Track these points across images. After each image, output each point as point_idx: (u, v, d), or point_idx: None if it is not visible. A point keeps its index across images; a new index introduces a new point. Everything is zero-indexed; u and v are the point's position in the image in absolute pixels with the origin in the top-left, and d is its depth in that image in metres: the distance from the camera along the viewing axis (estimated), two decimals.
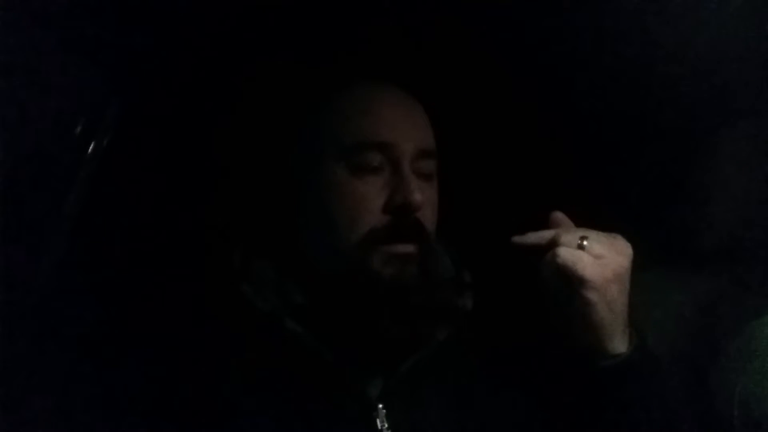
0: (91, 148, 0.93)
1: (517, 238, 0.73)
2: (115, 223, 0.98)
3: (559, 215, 0.74)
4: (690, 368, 0.85)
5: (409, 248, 0.76)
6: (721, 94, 0.98)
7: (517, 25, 0.94)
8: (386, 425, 0.75)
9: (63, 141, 0.92)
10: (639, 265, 0.73)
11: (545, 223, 0.74)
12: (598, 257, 0.69)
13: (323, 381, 0.77)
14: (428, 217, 0.79)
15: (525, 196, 1.01)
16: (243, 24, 0.96)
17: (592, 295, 0.68)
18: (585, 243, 0.69)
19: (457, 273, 0.86)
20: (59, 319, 0.89)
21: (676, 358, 0.85)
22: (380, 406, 0.76)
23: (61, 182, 0.91)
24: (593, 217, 0.73)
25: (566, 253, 0.69)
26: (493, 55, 0.99)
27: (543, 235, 0.72)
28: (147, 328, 0.81)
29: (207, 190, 1.06)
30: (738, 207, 0.97)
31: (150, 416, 0.74)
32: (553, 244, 0.70)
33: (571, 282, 0.69)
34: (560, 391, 0.75)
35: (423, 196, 0.76)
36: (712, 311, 0.93)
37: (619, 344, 0.71)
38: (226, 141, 1.05)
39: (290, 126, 0.86)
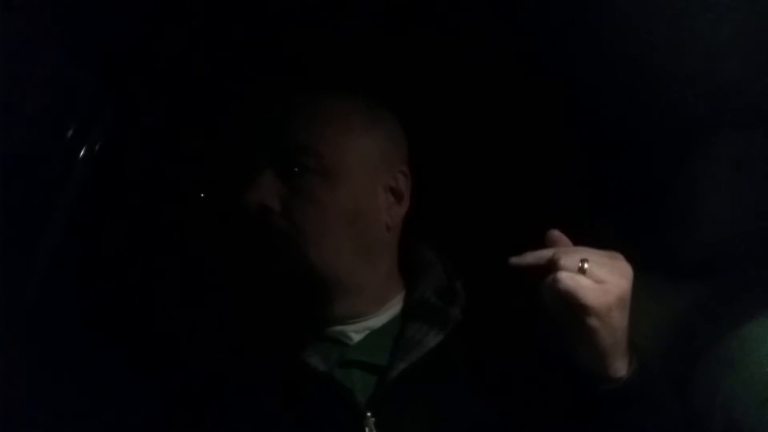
0: (83, 150, 0.92)
1: (515, 259, 0.70)
2: (106, 225, 0.98)
3: (556, 233, 0.72)
4: (674, 382, 0.86)
5: (263, 248, 0.80)
6: (708, 103, 0.98)
7: (505, 23, 0.94)
8: None
9: (55, 143, 0.91)
10: None
11: (542, 241, 0.72)
12: (599, 282, 0.66)
13: (309, 387, 0.77)
14: (295, 212, 0.80)
15: (515, 204, 1.02)
16: (233, 26, 0.96)
17: (593, 322, 0.66)
18: (586, 266, 0.66)
19: (449, 281, 0.87)
20: (51, 321, 0.89)
21: (663, 375, 0.85)
22: (369, 414, 0.76)
23: (54, 185, 0.91)
24: (580, 226, 0.73)
25: (567, 279, 0.66)
26: (481, 60, 0.99)
27: (541, 255, 0.70)
28: (136, 335, 0.82)
29: (198, 191, 1.07)
30: (720, 218, 0.98)
31: (139, 418, 0.75)
32: (553, 266, 0.68)
33: (572, 308, 0.66)
34: (556, 409, 0.75)
35: (274, 194, 0.80)
36: (692, 321, 0.94)
37: (620, 368, 0.70)
38: (213, 142, 1.05)
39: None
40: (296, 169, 0.80)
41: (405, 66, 0.98)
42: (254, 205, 0.79)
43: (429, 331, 0.82)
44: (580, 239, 0.72)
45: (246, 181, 0.80)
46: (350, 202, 0.81)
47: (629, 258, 0.70)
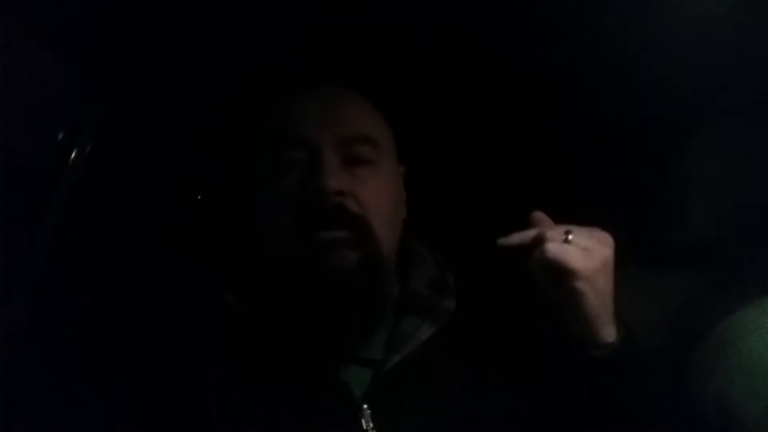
0: (73, 153, 0.92)
1: (502, 240, 0.74)
2: (99, 226, 0.98)
3: (539, 214, 0.76)
4: (667, 364, 0.86)
5: (337, 234, 0.76)
6: (697, 95, 0.99)
7: (500, 21, 0.94)
8: (371, 425, 0.75)
9: (47, 144, 0.92)
10: (618, 263, 0.74)
11: (526, 224, 0.76)
12: (584, 249, 0.71)
13: (308, 383, 0.77)
14: (364, 200, 0.79)
15: (507, 196, 1.02)
16: (225, 30, 0.96)
17: (581, 285, 0.70)
18: (570, 237, 0.71)
19: (441, 274, 0.88)
20: (43, 322, 0.89)
21: (655, 354, 0.86)
22: (365, 406, 0.76)
23: (46, 186, 0.91)
24: (573, 215, 0.75)
25: (554, 248, 0.71)
26: (472, 56, 0.99)
27: (527, 235, 0.74)
28: (132, 336, 0.82)
29: (190, 193, 1.07)
30: (714, 207, 0.98)
31: (137, 417, 0.75)
32: (539, 241, 0.72)
33: (561, 274, 0.71)
34: (550, 382, 0.77)
35: (345, 182, 0.77)
36: (687, 309, 0.95)
37: (609, 334, 0.74)
38: (203, 144, 1.05)
39: (236, 131, 0.90)
40: (358, 158, 0.80)
41: (399, 63, 0.99)
42: (333, 191, 0.76)
43: (422, 323, 0.82)
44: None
45: (296, 170, 0.78)
46: (394, 193, 0.84)
47: (624, 247, 0.73)
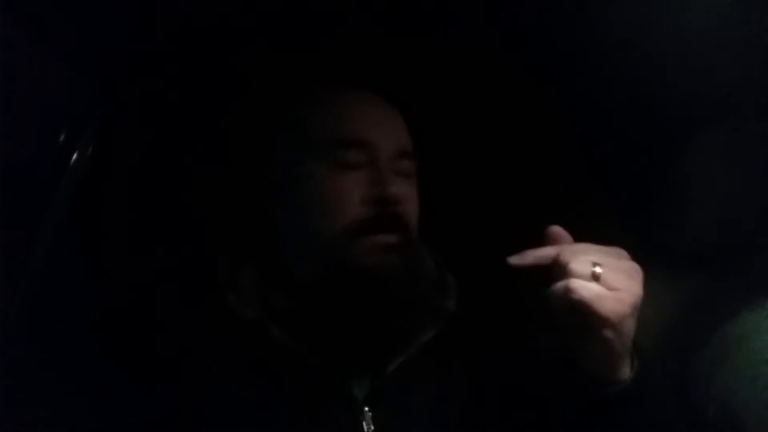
0: (75, 154, 0.93)
1: (515, 259, 0.67)
2: (99, 230, 0.98)
3: (557, 230, 0.68)
4: (669, 368, 0.86)
5: (390, 239, 0.78)
6: (699, 97, 0.99)
7: (505, 25, 0.94)
8: (372, 428, 0.76)
9: (49, 146, 0.92)
10: None
11: (541, 238, 0.69)
12: (614, 290, 0.63)
13: (310, 385, 0.77)
14: (408, 211, 0.81)
15: (509, 197, 1.02)
16: (227, 30, 0.96)
17: (608, 333, 0.64)
18: (599, 271, 0.63)
19: (440, 275, 0.88)
20: (44, 323, 0.89)
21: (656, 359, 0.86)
22: (366, 408, 0.76)
23: (48, 187, 0.91)
24: (575, 219, 0.73)
25: (582, 289, 0.63)
26: (477, 59, 0.99)
27: (544, 254, 0.67)
28: (134, 337, 0.82)
29: (193, 197, 1.07)
30: (715, 210, 0.98)
31: (137, 415, 0.75)
32: (561, 269, 0.65)
33: (587, 319, 0.64)
34: (554, 407, 0.74)
35: (401, 191, 0.79)
36: (688, 312, 0.95)
37: (625, 370, 0.69)
38: (211, 147, 1.05)
39: (269, 131, 0.89)
40: (402, 172, 0.82)
41: (402, 65, 0.99)
42: (395, 198, 0.78)
43: (423, 325, 0.82)
44: (575, 232, 0.70)
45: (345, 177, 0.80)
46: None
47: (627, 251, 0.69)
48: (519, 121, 1.05)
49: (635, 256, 0.68)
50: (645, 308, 0.93)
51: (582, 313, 0.63)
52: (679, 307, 0.96)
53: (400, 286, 0.77)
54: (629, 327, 0.65)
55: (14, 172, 0.86)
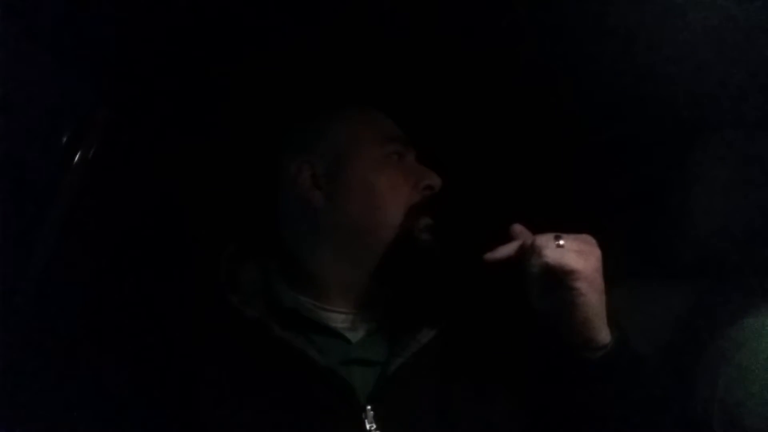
0: (77, 156, 0.93)
1: (489, 256, 0.77)
2: (101, 231, 0.99)
3: (518, 227, 0.79)
4: (670, 372, 0.87)
5: (431, 222, 0.88)
6: (698, 106, 0.99)
7: (503, 26, 0.95)
8: (374, 426, 0.76)
9: (51, 148, 0.92)
10: (619, 275, 0.77)
11: (507, 237, 0.78)
12: (578, 251, 0.73)
13: (312, 383, 0.78)
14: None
15: (507, 203, 1.02)
16: (230, 30, 0.97)
17: (582, 284, 0.72)
18: (561, 242, 0.73)
19: (441, 277, 0.89)
20: (45, 323, 0.89)
21: (659, 362, 0.86)
22: (368, 407, 0.77)
23: (49, 190, 0.91)
24: (575, 225, 0.76)
25: (551, 252, 0.72)
26: (471, 62, 1.00)
27: (511, 247, 0.77)
28: (135, 337, 0.82)
29: (195, 197, 1.07)
30: (715, 218, 0.98)
31: (137, 414, 0.76)
32: (532, 249, 0.74)
33: (562, 276, 0.72)
34: (548, 384, 0.78)
35: None
36: (689, 319, 0.95)
37: (604, 336, 0.75)
38: (215, 149, 1.06)
39: (275, 135, 0.93)
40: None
41: (398, 68, 0.99)
42: (439, 187, 0.89)
43: (423, 326, 0.84)
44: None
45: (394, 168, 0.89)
46: None
47: (627, 258, 0.75)
48: (518, 130, 1.06)
49: (637, 263, 0.73)
50: (648, 312, 0.95)
51: (556, 271, 0.72)
52: (680, 312, 0.96)
53: (446, 262, 0.87)
54: (600, 284, 0.73)
55: (16, 174, 0.87)
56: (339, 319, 0.85)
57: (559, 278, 0.72)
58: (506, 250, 0.77)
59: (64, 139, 0.93)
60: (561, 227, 0.76)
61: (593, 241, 0.75)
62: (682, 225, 1.01)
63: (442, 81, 1.02)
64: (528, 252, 0.74)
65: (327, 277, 0.86)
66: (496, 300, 0.88)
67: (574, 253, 0.72)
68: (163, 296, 0.90)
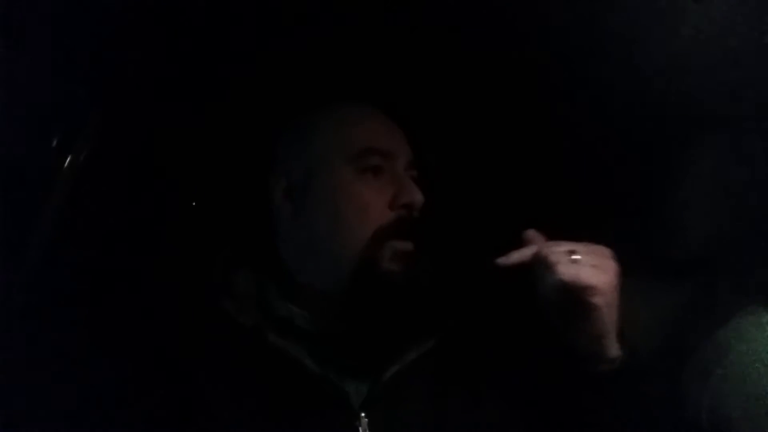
0: (68, 159, 0.92)
1: (502, 260, 0.74)
2: (93, 237, 0.98)
3: (532, 233, 0.76)
4: (664, 374, 0.87)
5: (409, 246, 0.81)
6: (692, 105, 1.00)
7: (502, 27, 0.95)
8: None
9: (42, 151, 0.91)
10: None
11: (520, 243, 0.76)
12: (594, 266, 0.71)
13: (307, 391, 0.78)
14: (422, 219, 0.84)
15: (506, 210, 1.03)
16: (222, 32, 0.96)
17: (598, 300, 0.70)
18: (576, 256, 0.71)
19: (439, 287, 0.88)
20: (37, 330, 0.88)
21: (654, 365, 0.87)
22: (362, 414, 0.77)
23: (40, 192, 0.90)
24: (571, 226, 0.75)
25: (566, 268, 0.70)
26: (469, 63, 1.00)
27: (525, 253, 0.74)
28: (130, 342, 0.82)
29: (188, 203, 1.07)
30: (707, 218, 0.99)
31: (133, 419, 0.75)
32: (544, 261, 0.72)
33: (579, 293, 0.70)
34: (553, 394, 0.78)
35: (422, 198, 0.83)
36: (680, 320, 0.96)
37: (615, 348, 0.74)
38: (208, 153, 1.05)
39: (275, 136, 0.91)
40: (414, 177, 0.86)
41: (397, 70, 0.99)
42: (420, 204, 0.83)
43: (420, 334, 0.83)
44: (571, 239, 0.74)
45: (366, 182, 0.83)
46: None
47: (620, 258, 0.73)
48: (517, 133, 1.06)
49: (631, 263, 0.73)
50: (639, 313, 0.95)
51: (572, 288, 0.70)
52: (672, 313, 0.97)
53: (413, 294, 0.81)
54: (613, 298, 0.71)
55: (7, 177, 0.86)
56: (331, 327, 0.84)
57: (575, 294, 0.70)
58: (519, 256, 0.74)
59: (55, 142, 0.92)
60: (555, 227, 0.75)
61: (609, 253, 0.73)
62: (674, 228, 1.02)
63: (434, 77, 1.02)
64: (541, 264, 0.72)
65: (312, 288, 0.84)
66: (497, 307, 0.88)
67: (590, 269, 0.70)
68: (156, 301, 0.90)
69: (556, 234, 0.76)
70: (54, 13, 0.88)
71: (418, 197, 0.82)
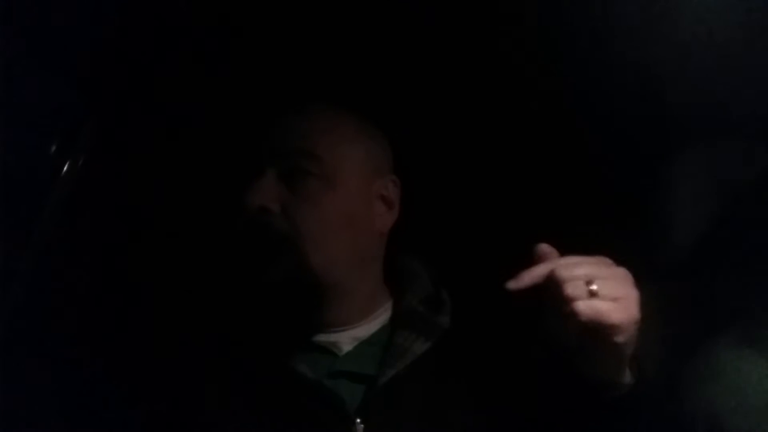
0: (66, 165, 0.92)
1: (513, 284, 0.66)
2: (92, 240, 0.98)
3: (544, 247, 0.69)
4: (659, 386, 0.87)
5: (260, 252, 0.80)
6: (682, 110, 1.00)
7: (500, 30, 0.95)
8: None
9: (40, 158, 0.91)
10: None
11: (531, 257, 0.69)
12: (615, 299, 0.65)
13: (300, 397, 0.78)
14: (294, 214, 0.81)
15: (498, 212, 1.03)
16: (215, 39, 0.97)
17: (620, 338, 0.65)
18: (595, 288, 0.64)
19: (435, 290, 0.89)
20: (36, 330, 0.89)
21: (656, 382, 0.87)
22: (358, 420, 0.77)
23: (38, 199, 0.91)
24: (565, 229, 0.74)
25: (586, 308, 0.63)
26: (465, 71, 1.00)
27: (538, 273, 0.67)
28: (124, 344, 0.82)
29: (183, 205, 1.07)
30: (698, 224, 1.00)
31: (124, 425, 0.75)
32: (558, 292, 0.65)
33: (599, 331, 0.64)
34: (557, 415, 0.75)
35: (276, 196, 0.81)
36: (676, 331, 0.95)
37: (627, 376, 0.71)
38: (205, 155, 1.06)
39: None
40: (298, 173, 0.82)
41: (393, 76, 1.00)
42: (255, 206, 0.80)
43: (417, 339, 0.83)
44: (566, 245, 0.70)
45: (245, 184, 0.81)
46: (347, 207, 0.83)
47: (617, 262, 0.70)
48: (513, 137, 1.06)
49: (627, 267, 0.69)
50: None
51: (593, 327, 0.64)
52: (668, 326, 0.97)
53: (284, 295, 0.80)
54: (635, 330, 0.66)
55: (6, 181, 0.86)
56: (325, 332, 0.84)
57: (596, 332, 0.65)
58: (531, 278, 0.66)
59: (53, 148, 0.92)
60: (554, 230, 0.72)
61: (630, 279, 0.67)
62: (669, 238, 1.02)
63: (421, 79, 1.03)
64: (555, 293, 0.65)
65: None
66: (494, 311, 0.85)
67: (611, 304, 0.64)
68: (152, 304, 0.90)
69: (560, 239, 0.71)
70: (53, 17, 0.88)
71: (247, 199, 0.80)
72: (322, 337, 0.84)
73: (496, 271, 0.69)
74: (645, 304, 0.93)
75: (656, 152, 1.04)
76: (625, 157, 1.05)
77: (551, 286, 0.65)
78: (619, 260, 0.69)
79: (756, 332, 0.87)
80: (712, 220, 0.99)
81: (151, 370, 0.79)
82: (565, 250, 0.70)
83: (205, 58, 0.98)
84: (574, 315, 0.63)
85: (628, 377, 0.70)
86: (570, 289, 0.64)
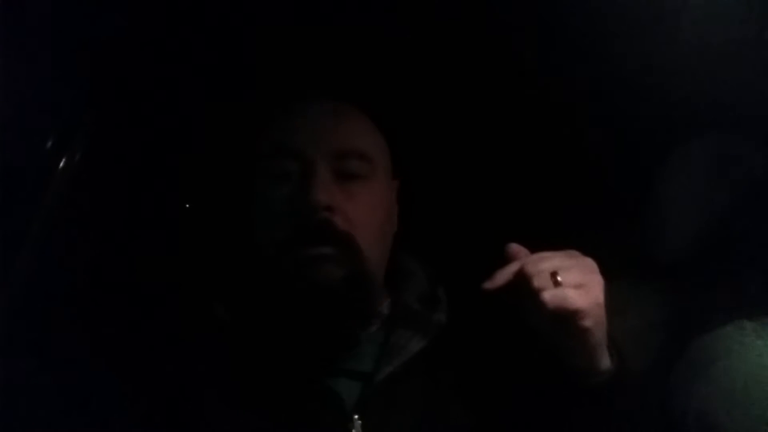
0: (63, 161, 0.92)
1: (489, 284, 0.71)
2: (89, 238, 0.98)
3: (514, 247, 0.74)
4: (650, 380, 0.88)
5: (322, 250, 0.78)
6: (681, 109, 1.00)
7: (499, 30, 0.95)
8: None
9: (36, 153, 0.91)
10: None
11: (503, 258, 0.74)
12: (578, 286, 0.69)
13: (298, 394, 0.78)
14: (353, 216, 0.80)
15: (499, 212, 1.03)
16: (213, 35, 0.96)
17: (587, 323, 0.69)
18: (559, 279, 0.69)
19: (432, 288, 0.89)
20: (34, 330, 0.88)
21: (642, 374, 0.88)
22: (356, 417, 0.77)
23: (34, 195, 0.90)
24: (558, 230, 0.76)
25: (552, 297, 0.68)
26: (461, 70, 1.00)
27: (509, 271, 0.71)
28: (123, 343, 0.82)
29: (179, 202, 1.07)
30: (693, 223, 1.00)
31: (125, 422, 0.75)
32: (526, 283, 0.70)
33: (565, 318, 0.69)
34: (544, 405, 0.77)
35: (336, 196, 0.79)
36: (664, 326, 0.96)
37: (606, 361, 0.74)
38: (202, 153, 1.06)
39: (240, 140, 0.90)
40: (349, 173, 0.81)
41: (396, 75, 1.00)
42: (322, 205, 0.78)
43: (413, 336, 0.84)
44: (561, 245, 0.74)
45: (269, 183, 0.80)
46: (387, 208, 0.86)
47: (605, 263, 0.73)
48: (508, 139, 1.06)
49: (619, 267, 0.73)
50: (624, 321, 0.96)
51: (558, 315, 0.69)
52: (657, 322, 0.98)
53: (339, 296, 0.78)
54: (601, 314, 0.71)
55: (2, 178, 0.86)
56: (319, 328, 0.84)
57: (563, 318, 0.69)
58: (503, 277, 0.71)
59: (50, 143, 0.92)
60: (544, 230, 0.75)
61: (594, 266, 0.72)
62: (660, 235, 1.03)
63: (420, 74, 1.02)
64: (525, 287, 0.70)
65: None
66: (490, 309, 0.86)
67: (574, 291, 0.68)
68: (150, 302, 0.90)
69: (543, 240, 0.74)
70: (50, 14, 0.88)
71: (314, 198, 0.77)
72: (321, 336, 0.83)
73: (491, 269, 0.72)
74: (639, 298, 0.95)
75: (655, 152, 1.04)
76: (625, 157, 1.06)
77: (522, 281, 0.70)
78: (615, 258, 0.72)
79: (748, 326, 0.88)
80: (706, 217, 0.99)
81: (150, 368, 0.79)
82: (562, 248, 0.74)
83: (204, 57, 0.98)
84: (542, 305, 0.68)
85: (607, 364, 0.74)
86: (537, 282, 0.69)
